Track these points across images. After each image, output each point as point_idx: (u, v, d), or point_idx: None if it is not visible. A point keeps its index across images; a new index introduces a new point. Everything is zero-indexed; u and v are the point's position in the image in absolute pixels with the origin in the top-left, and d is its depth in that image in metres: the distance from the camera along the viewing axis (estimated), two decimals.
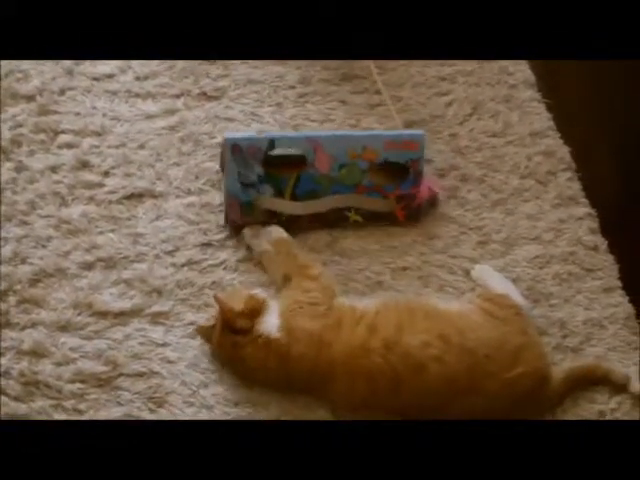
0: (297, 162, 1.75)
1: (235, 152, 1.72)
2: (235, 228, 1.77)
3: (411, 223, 1.81)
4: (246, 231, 1.76)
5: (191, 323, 1.66)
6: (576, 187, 1.91)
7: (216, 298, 1.57)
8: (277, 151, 1.74)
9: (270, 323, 1.58)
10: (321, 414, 1.58)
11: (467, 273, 1.77)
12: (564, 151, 1.96)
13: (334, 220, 1.79)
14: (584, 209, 1.88)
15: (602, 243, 1.83)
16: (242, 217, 1.76)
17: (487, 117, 2.01)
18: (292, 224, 1.77)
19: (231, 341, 1.58)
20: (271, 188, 1.75)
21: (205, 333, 1.63)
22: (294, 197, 1.76)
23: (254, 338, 1.57)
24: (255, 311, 1.59)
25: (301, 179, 1.76)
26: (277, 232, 1.74)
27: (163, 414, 1.57)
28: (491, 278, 1.74)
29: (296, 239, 1.76)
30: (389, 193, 1.78)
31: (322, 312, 1.60)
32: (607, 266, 1.80)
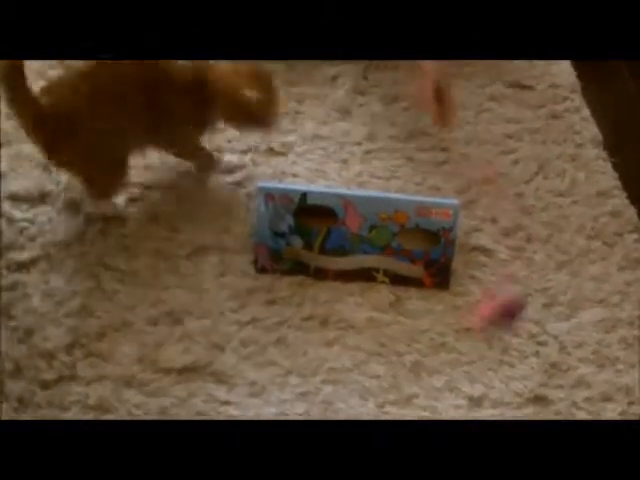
0: (329, 216, 1.77)
1: (268, 201, 1.76)
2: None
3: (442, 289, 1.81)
4: None
5: (254, 382, 1.66)
6: None
7: None
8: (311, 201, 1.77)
9: None
10: None
11: (532, 336, 1.75)
12: (631, 212, 1.95)
13: (361, 278, 1.80)
14: None
15: None
16: (272, 264, 1.79)
17: (553, 176, 2.00)
18: (319, 277, 1.80)
19: None
20: (300, 239, 1.78)
21: None
22: (322, 251, 1.78)
23: None
24: None
25: (331, 234, 1.78)
26: None
27: None
28: None
29: (357, 297, 1.78)
30: (418, 259, 1.79)
31: None
32: None
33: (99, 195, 1.84)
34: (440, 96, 1.88)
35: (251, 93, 1.76)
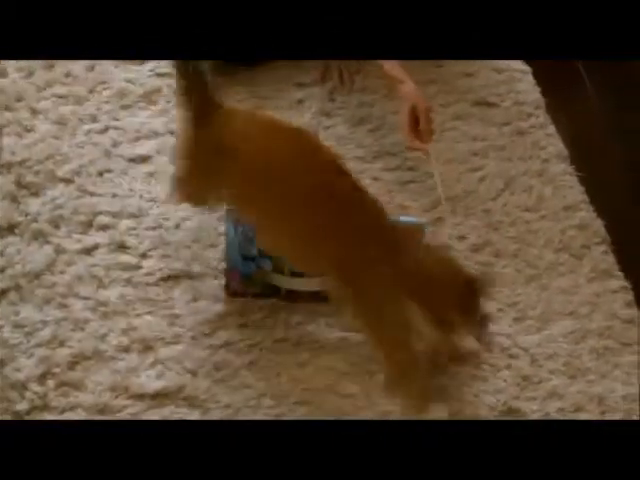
0: None
1: (237, 225, 1.76)
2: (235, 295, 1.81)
3: None
4: None
5: (228, 405, 1.66)
6: (611, 260, 1.92)
7: None
8: None
9: None
10: None
11: (503, 349, 1.76)
12: (598, 224, 1.97)
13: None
14: (619, 282, 1.88)
15: (638, 316, 1.83)
16: (243, 287, 1.80)
17: (520, 192, 2.02)
18: (290, 299, 1.80)
19: None
20: (271, 263, 1.78)
21: None
22: (293, 272, 1.79)
23: None
24: None
25: None
26: None
27: None
28: None
29: (329, 318, 1.79)
30: None
31: None
32: None
33: None
34: (416, 119, 1.91)
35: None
